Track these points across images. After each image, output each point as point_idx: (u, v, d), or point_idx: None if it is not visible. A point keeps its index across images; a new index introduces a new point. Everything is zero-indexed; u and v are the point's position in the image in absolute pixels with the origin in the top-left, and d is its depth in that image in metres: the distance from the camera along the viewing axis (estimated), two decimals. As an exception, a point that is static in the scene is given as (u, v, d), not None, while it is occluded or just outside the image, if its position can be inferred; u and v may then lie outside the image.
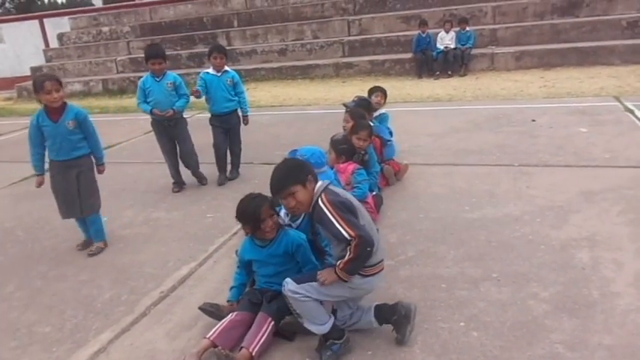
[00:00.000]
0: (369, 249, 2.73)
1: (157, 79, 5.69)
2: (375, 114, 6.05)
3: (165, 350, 3.15)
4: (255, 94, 13.00)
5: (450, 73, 12.70)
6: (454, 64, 12.74)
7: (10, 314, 3.81)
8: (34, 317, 3.74)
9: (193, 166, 6.25)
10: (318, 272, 2.86)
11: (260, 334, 2.96)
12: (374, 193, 4.81)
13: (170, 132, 5.95)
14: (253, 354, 2.87)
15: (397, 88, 11.66)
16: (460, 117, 8.48)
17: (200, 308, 3.33)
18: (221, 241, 4.63)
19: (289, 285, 2.85)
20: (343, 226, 2.68)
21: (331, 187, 2.89)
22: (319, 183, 2.89)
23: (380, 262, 2.93)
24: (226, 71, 6.17)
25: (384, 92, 6.37)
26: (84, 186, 4.61)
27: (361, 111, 5.36)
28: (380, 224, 4.55)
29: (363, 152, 4.87)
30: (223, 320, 3.13)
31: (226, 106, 6.18)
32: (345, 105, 5.96)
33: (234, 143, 6.44)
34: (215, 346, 2.92)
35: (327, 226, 2.73)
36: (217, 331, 3.03)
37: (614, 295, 3.27)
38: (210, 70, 6.15)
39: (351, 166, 4.56)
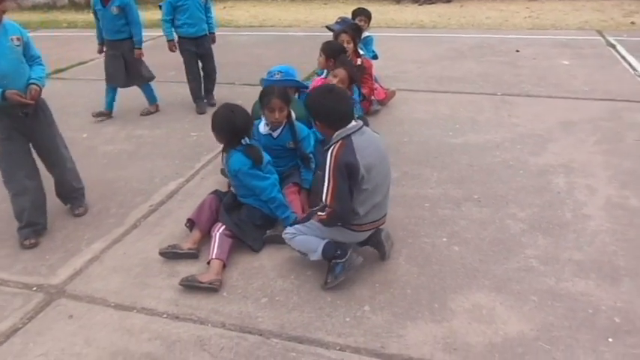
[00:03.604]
0: (339, 224, 2.88)
1: None
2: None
3: (158, 259, 3.25)
4: (233, 12, 12.54)
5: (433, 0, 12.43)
6: (439, -10, 12.45)
7: (-3, 224, 3.81)
8: (23, 227, 3.75)
9: (71, 184, 3.82)
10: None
11: (212, 242, 3.16)
12: (357, 116, 4.79)
13: (27, 129, 3.46)
14: (214, 257, 3.07)
15: (381, 12, 11.39)
16: (444, 45, 8.41)
17: (161, 253, 3.25)
18: (207, 159, 4.65)
19: (285, 230, 3.06)
20: (329, 189, 2.75)
21: (354, 137, 2.77)
22: (349, 125, 2.80)
23: (375, 221, 2.96)
24: None
25: (368, 16, 6.14)
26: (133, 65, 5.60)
27: (338, 46, 4.86)
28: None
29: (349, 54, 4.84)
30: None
31: (203, 27, 5.76)
32: (329, 28, 5.79)
33: (210, 69, 6.04)
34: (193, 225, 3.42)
35: (321, 174, 2.84)
36: (194, 213, 3.46)
37: (585, 217, 3.48)
38: None
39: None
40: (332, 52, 4.54)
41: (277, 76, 3.94)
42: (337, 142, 2.78)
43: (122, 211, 3.90)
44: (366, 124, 4.78)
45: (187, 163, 4.60)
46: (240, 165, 3.24)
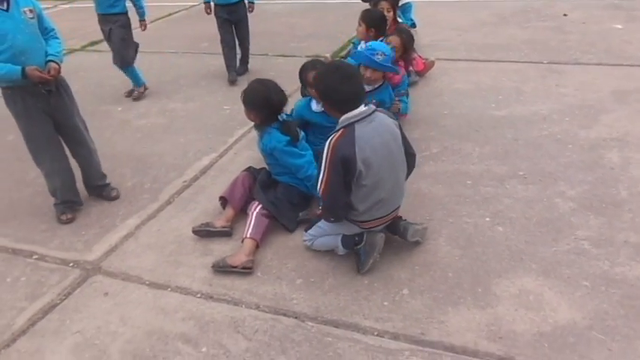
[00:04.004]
0: (331, 219, 2.78)
1: (3, 8, 3.01)
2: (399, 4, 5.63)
3: (192, 236, 3.20)
4: (267, -20, 12.26)
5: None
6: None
7: (35, 199, 3.84)
8: (60, 203, 3.78)
9: (98, 169, 3.76)
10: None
11: (248, 221, 3.07)
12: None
13: (50, 107, 3.29)
14: (247, 236, 2.99)
15: (419, -23, 10.91)
16: (486, 10, 8.00)
17: (194, 231, 3.19)
18: (240, 133, 4.56)
19: (303, 238, 3.00)
20: (322, 182, 2.58)
21: (359, 125, 2.52)
22: (355, 111, 2.54)
23: (382, 217, 2.76)
24: None
25: None
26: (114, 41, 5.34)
27: (379, 14, 4.54)
28: (402, 120, 4.44)
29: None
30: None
31: None
32: None
33: (243, 37, 5.96)
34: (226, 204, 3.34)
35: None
36: (226, 190, 3.37)
37: (642, 196, 3.24)
38: None
39: (398, 77, 4.17)
40: (372, 21, 4.28)
41: (379, 58, 3.56)
42: (338, 130, 2.57)
43: (156, 186, 3.87)
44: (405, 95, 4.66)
45: (220, 138, 4.52)
46: (276, 142, 3.13)
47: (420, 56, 5.49)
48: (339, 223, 2.81)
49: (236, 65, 6.01)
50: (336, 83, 2.55)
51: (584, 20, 7.03)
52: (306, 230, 3.00)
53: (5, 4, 3.00)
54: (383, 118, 2.66)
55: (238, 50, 6.06)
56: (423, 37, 6.37)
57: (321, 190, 2.61)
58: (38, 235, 3.43)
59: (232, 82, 5.83)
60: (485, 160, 3.77)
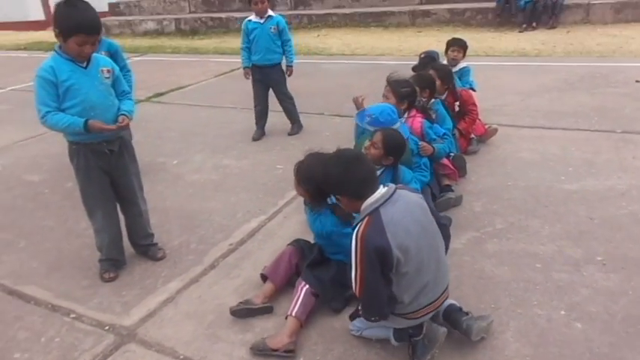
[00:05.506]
0: (372, 319, 2.46)
1: (82, 65, 3.04)
2: (455, 69, 5.42)
3: (233, 308, 3.00)
4: (327, 41, 12.52)
5: (534, 25, 11.65)
6: (542, 14, 11.65)
7: (83, 252, 3.79)
8: (104, 258, 3.70)
9: (146, 229, 3.67)
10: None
11: (295, 296, 2.84)
12: (452, 154, 4.28)
13: (110, 167, 3.32)
14: (293, 314, 2.74)
15: (478, 40, 10.81)
16: (550, 74, 7.72)
17: (233, 312, 2.93)
18: (291, 195, 4.40)
19: (350, 328, 2.72)
20: (357, 279, 2.31)
21: (384, 209, 2.28)
22: (376, 196, 2.32)
23: (430, 303, 2.45)
24: (270, 17, 5.59)
25: (462, 45, 5.46)
26: None
27: (428, 78, 4.40)
28: (462, 190, 4.18)
29: (424, 100, 4.28)
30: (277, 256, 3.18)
31: (268, 58, 5.67)
32: (415, 69, 5.29)
33: (282, 100, 5.96)
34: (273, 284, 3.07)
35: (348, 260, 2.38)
36: (270, 267, 3.15)
37: None
38: (253, 17, 5.63)
39: (417, 120, 3.98)
40: (406, 94, 3.96)
41: (367, 119, 3.63)
42: (363, 219, 2.31)
43: (202, 247, 3.74)
44: (463, 163, 4.42)
45: (271, 199, 4.39)
46: (332, 226, 2.95)
47: (479, 120, 5.25)
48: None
49: (264, 124, 6.04)
50: (342, 172, 2.35)
51: (659, 88, 6.63)
52: (351, 318, 2.71)
53: (85, 63, 3.10)
54: (406, 194, 2.42)
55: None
56: (483, 101, 6.12)
57: (358, 289, 2.32)
58: (79, 292, 3.33)
59: (255, 139, 5.92)
60: (557, 241, 3.42)
